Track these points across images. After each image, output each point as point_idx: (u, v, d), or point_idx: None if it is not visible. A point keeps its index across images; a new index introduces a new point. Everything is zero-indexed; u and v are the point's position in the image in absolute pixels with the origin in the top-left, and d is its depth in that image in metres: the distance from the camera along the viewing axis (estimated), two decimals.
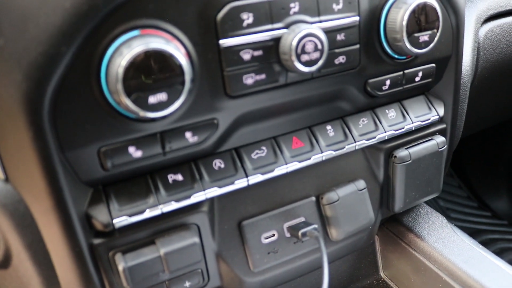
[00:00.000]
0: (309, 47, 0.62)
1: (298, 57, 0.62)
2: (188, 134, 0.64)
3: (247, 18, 0.61)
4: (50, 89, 0.54)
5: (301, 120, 0.75)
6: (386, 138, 0.81)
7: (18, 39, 0.53)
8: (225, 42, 0.61)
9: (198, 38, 0.60)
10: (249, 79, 0.64)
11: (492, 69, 1.10)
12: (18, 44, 0.53)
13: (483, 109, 1.29)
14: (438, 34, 0.74)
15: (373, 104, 0.81)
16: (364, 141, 0.79)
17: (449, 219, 2.04)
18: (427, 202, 1.02)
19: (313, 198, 0.80)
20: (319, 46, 0.63)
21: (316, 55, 0.63)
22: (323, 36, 0.63)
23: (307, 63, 0.63)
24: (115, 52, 0.55)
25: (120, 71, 0.53)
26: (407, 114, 0.83)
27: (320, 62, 0.64)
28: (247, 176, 0.70)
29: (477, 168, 2.11)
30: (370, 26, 0.71)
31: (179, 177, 0.67)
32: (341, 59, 0.69)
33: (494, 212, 2.04)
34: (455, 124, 0.91)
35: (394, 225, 0.99)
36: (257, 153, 0.72)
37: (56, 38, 0.53)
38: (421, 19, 0.71)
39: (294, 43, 0.61)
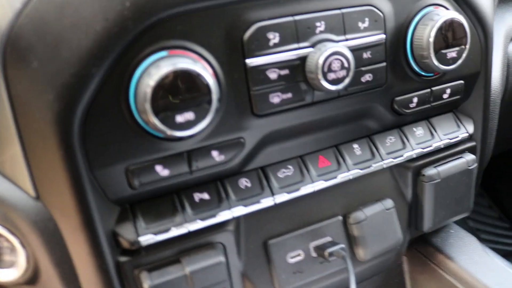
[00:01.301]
0: (336, 65, 0.62)
1: (325, 75, 0.62)
2: (214, 153, 0.64)
3: (274, 37, 0.62)
4: (80, 109, 0.55)
5: (327, 139, 0.75)
6: (414, 156, 0.80)
7: (51, 61, 0.55)
8: (251, 62, 0.61)
9: (225, 58, 0.60)
10: (275, 98, 0.64)
11: None
12: (51, 66, 0.55)
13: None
14: (466, 51, 0.73)
15: (401, 122, 0.80)
16: (391, 160, 0.78)
17: (480, 240, 1.98)
18: (456, 222, 1.00)
19: (340, 218, 0.79)
20: (346, 64, 0.63)
21: (342, 73, 0.63)
22: (349, 54, 0.63)
23: (334, 82, 0.63)
24: (143, 72, 0.56)
25: (148, 91, 0.54)
26: (435, 131, 0.82)
27: (347, 80, 0.64)
28: (273, 195, 0.70)
29: (508, 187, 2.05)
30: (396, 43, 0.71)
31: (206, 196, 0.67)
32: (367, 77, 0.69)
33: None
34: (485, 141, 0.89)
35: (422, 246, 0.96)
36: (283, 172, 0.72)
37: (87, 60, 0.54)
38: (448, 35, 0.70)
39: (321, 61, 0.61)
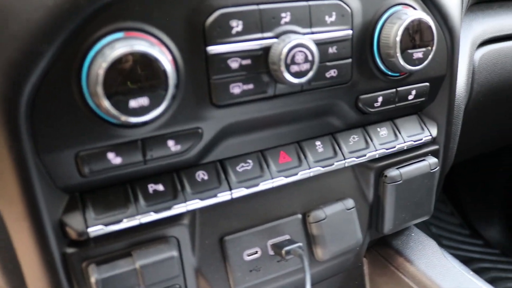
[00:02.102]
0: (299, 57, 0.60)
1: (288, 67, 0.60)
2: (170, 143, 0.62)
3: (237, 25, 0.59)
4: (28, 89, 0.52)
5: (289, 135, 0.73)
6: (377, 156, 0.79)
7: None
8: (212, 49, 0.59)
9: (185, 43, 0.58)
10: (236, 89, 0.62)
11: (487, 93, 1.09)
12: None
13: (477, 134, 1.28)
14: (432, 52, 0.72)
15: (365, 121, 0.79)
16: (354, 159, 0.77)
17: (441, 246, 2.01)
18: (418, 226, 1.00)
19: (300, 216, 0.77)
20: (310, 57, 0.61)
21: (306, 66, 0.61)
22: (314, 48, 0.61)
23: (297, 74, 0.61)
24: (97, 53, 0.53)
25: (101, 72, 0.51)
26: (399, 133, 0.82)
27: (310, 74, 0.62)
28: (230, 189, 0.67)
29: (470, 195, 2.09)
30: (363, 40, 0.69)
31: (160, 187, 0.64)
32: (332, 73, 0.68)
33: (486, 240, 2.01)
34: (448, 145, 0.89)
35: (383, 248, 0.96)
36: (242, 166, 0.69)
37: (37, 36, 0.51)
38: (415, 35, 0.69)
39: (284, 53, 0.59)
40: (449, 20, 0.77)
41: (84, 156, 0.57)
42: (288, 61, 0.60)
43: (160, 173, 0.65)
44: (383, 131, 0.80)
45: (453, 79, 0.83)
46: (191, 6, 0.57)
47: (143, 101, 0.54)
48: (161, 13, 0.56)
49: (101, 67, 0.51)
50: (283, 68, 0.60)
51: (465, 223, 2.07)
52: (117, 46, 0.52)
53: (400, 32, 0.68)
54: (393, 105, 0.77)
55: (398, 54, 0.68)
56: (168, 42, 0.57)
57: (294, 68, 0.60)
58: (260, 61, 0.62)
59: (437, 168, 0.86)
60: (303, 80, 0.62)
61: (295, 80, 0.61)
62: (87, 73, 0.53)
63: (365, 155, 0.77)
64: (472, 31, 1.02)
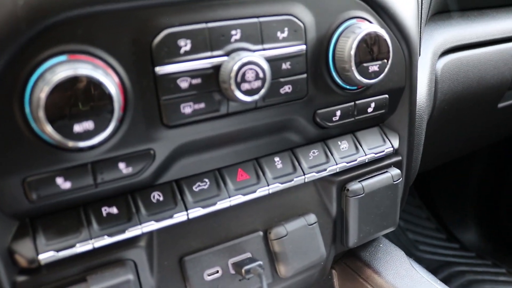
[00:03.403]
0: (250, 75, 0.60)
1: (238, 85, 0.59)
2: (121, 165, 0.60)
3: (185, 45, 0.58)
4: None
5: (248, 151, 0.72)
6: (337, 170, 0.78)
7: None
8: (160, 70, 0.58)
9: (132, 64, 0.57)
10: (187, 108, 0.61)
11: (451, 101, 1.09)
12: None
13: (444, 141, 1.29)
14: (388, 65, 0.72)
15: (325, 135, 0.78)
16: (314, 174, 0.76)
17: (418, 251, 2.02)
18: (389, 235, 1.00)
19: (261, 233, 0.76)
20: (261, 75, 0.60)
21: (257, 83, 0.60)
22: (265, 65, 0.60)
23: (248, 92, 0.60)
24: (39, 77, 0.51)
25: (43, 97, 0.50)
26: (360, 146, 0.81)
27: (262, 92, 0.61)
28: (187, 210, 0.66)
29: (445, 199, 2.11)
30: (318, 55, 0.69)
31: (114, 210, 0.63)
32: (287, 89, 0.67)
33: (462, 244, 2.02)
34: (411, 156, 0.89)
35: (352, 260, 0.96)
36: (199, 185, 0.68)
37: None
38: (370, 49, 0.69)
39: (234, 71, 0.59)
40: (406, 32, 0.77)
41: (32, 182, 0.56)
42: (239, 79, 0.59)
43: (114, 195, 0.64)
44: (344, 145, 0.80)
45: (413, 90, 0.83)
46: (137, 26, 0.56)
47: (88, 125, 0.53)
48: (106, 35, 0.55)
49: (42, 92, 0.50)
50: (233, 87, 0.59)
51: (441, 227, 2.08)
52: (58, 70, 0.51)
53: (354, 46, 0.67)
54: (352, 119, 0.77)
55: (353, 68, 0.68)
56: (114, 63, 0.56)
57: (245, 86, 0.60)
58: (211, 79, 0.61)
59: (400, 179, 0.86)
60: (254, 98, 0.61)
61: (246, 98, 0.60)
62: (29, 98, 0.52)
63: (325, 170, 0.77)
64: (433, 41, 1.03)
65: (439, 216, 2.10)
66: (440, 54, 1.04)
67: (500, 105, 1.28)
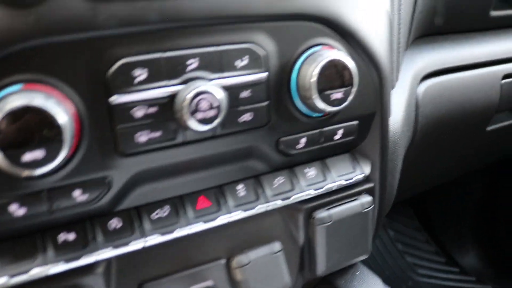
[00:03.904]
0: (204, 104, 0.60)
1: (192, 114, 0.59)
2: (77, 193, 0.60)
3: (140, 74, 0.59)
4: None
5: (210, 179, 0.72)
6: (303, 198, 0.77)
7: None
8: (116, 99, 0.58)
9: (87, 93, 0.57)
10: (142, 137, 0.61)
11: (435, 126, 1.08)
12: None
13: (433, 165, 1.27)
14: (353, 91, 0.71)
15: (292, 162, 0.78)
16: (278, 202, 0.75)
17: (417, 275, 1.99)
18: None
19: (223, 261, 0.75)
20: (215, 104, 0.60)
21: (212, 113, 0.60)
22: (220, 94, 0.60)
23: (202, 121, 0.60)
24: None
25: None
26: (329, 173, 0.80)
27: (217, 121, 0.61)
28: (144, 237, 0.66)
29: (444, 222, 2.07)
30: (280, 83, 0.69)
31: (71, 236, 0.63)
32: (247, 117, 0.67)
33: (462, 267, 1.98)
34: (385, 183, 0.88)
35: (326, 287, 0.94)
36: (158, 213, 0.68)
37: None
38: (333, 76, 0.69)
39: (187, 100, 0.59)
40: (375, 58, 0.77)
41: None
42: (192, 108, 0.59)
43: (74, 221, 0.64)
44: (311, 172, 0.79)
45: (385, 116, 0.82)
46: (92, 56, 0.57)
47: (38, 154, 0.53)
48: (62, 64, 0.55)
49: None
50: (186, 116, 0.59)
51: (441, 250, 2.04)
52: (11, 99, 0.52)
53: (315, 73, 0.67)
54: (319, 146, 0.76)
55: (315, 96, 0.68)
56: (69, 93, 0.56)
57: (199, 115, 0.60)
58: (167, 108, 0.61)
59: (371, 206, 0.84)
60: (209, 127, 0.61)
61: (200, 128, 0.60)
62: None
63: (290, 198, 0.76)
64: (414, 65, 1.02)
65: (438, 239, 2.07)
66: (421, 78, 1.03)
67: (489, 128, 1.26)
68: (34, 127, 0.52)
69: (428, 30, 1.10)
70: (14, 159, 0.52)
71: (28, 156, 0.53)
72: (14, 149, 0.52)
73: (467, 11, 1.13)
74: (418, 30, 1.06)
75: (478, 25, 1.18)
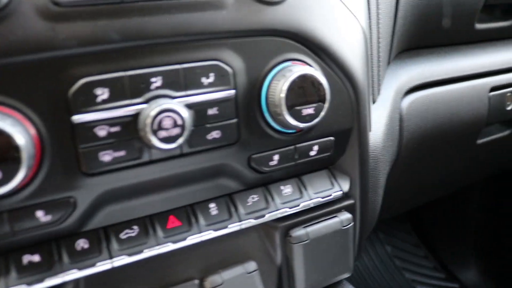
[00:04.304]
0: (167, 122, 0.59)
1: (155, 133, 0.58)
2: (39, 213, 0.59)
3: (102, 93, 0.58)
4: None
5: (181, 198, 0.71)
6: (278, 216, 0.76)
7: None
8: (77, 118, 0.57)
9: (48, 113, 0.57)
10: (106, 156, 0.60)
11: (421, 140, 1.06)
12: None
13: (422, 180, 1.25)
14: (325, 107, 0.70)
15: (268, 179, 0.76)
16: (251, 220, 0.73)
17: None
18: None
19: (196, 281, 0.73)
20: (179, 122, 0.59)
21: (176, 131, 0.59)
22: (183, 111, 0.60)
23: (166, 140, 0.59)
24: None
25: None
26: (305, 190, 0.78)
27: (181, 140, 0.60)
28: (111, 258, 0.65)
29: (443, 237, 2.04)
30: (250, 99, 0.68)
31: (36, 258, 0.62)
32: (215, 134, 0.66)
33: (462, 283, 1.94)
34: (366, 200, 0.86)
35: None
36: (127, 233, 0.67)
37: None
38: (303, 91, 0.68)
39: (149, 118, 0.58)
40: (350, 72, 0.76)
41: None
42: (155, 126, 0.58)
43: (39, 242, 0.63)
44: (287, 189, 0.77)
45: (362, 131, 0.81)
46: (53, 76, 0.56)
47: None
48: (21, 85, 0.55)
49: None
50: (149, 134, 0.58)
51: (440, 266, 2.00)
52: None
53: (284, 89, 0.66)
54: (293, 163, 0.75)
55: (285, 112, 0.67)
56: (29, 113, 0.56)
57: (162, 134, 0.59)
58: (130, 127, 0.60)
59: (350, 224, 0.82)
60: (173, 145, 0.60)
61: (164, 146, 0.59)
62: None
63: (264, 216, 0.74)
64: (397, 79, 1.01)
65: (437, 254, 2.03)
66: (405, 92, 1.02)
67: (480, 141, 1.24)
68: None
69: (412, 44, 1.09)
70: None
71: None
72: None
73: (452, 24, 1.12)
74: (401, 44, 1.05)
75: (463, 38, 1.17)
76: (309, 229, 0.78)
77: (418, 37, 1.09)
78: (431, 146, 1.11)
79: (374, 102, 0.92)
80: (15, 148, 0.53)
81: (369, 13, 0.89)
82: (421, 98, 1.05)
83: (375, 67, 0.91)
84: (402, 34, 1.04)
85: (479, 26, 1.16)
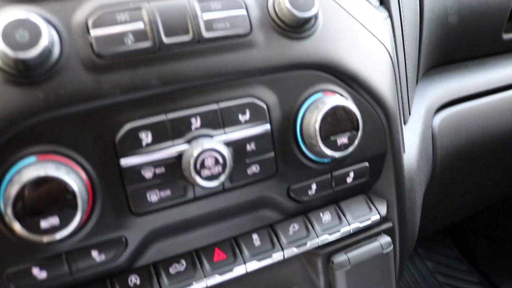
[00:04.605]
0: (209, 161, 0.62)
1: (199, 172, 0.61)
2: (94, 253, 0.63)
3: (146, 137, 0.62)
4: None
5: (224, 230, 0.73)
6: (320, 244, 0.77)
7: None
8: (125, 162, 0.61)
9: (98, 159, 0.60)
10: (153, 196, 0.63)
11: (455, 156, 1.06)
12: None
13: (463, 194, 1.24)
14: (359, 135, 0.72)
15: (306, 208, 0.78)
16: (293, 249, 0.75)
17: None
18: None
19: None
20: (220, 160, 0.62)
21: (218, 169, 0.62)
22: (223, 150, 0.62)
23: (209, 178, 0.62)
24: (11, 177, 0.56)
25: (11, 198, 0.54)
26: (344, 216, 0.80)
27: (223, 176, 0.63)
28: None
29: (486, 250, 1.98)
30: (285, 132, 0.70)
31: None
32: (254, 169, 0.68)
33: None
34: (404, 222, 0.86)
35: None
36: (175, 267, 0.69)
37: None
38: (336, 122, 0.70)
39: (192, 159, 0.61)
40: (380, 98, 0.77)
41: (9, 275, 0.60)
42: (198, 166, 0.61)
43: (94, 280, 0.66)
44: (326, 216, 0.79)
45: (397, 155, 0.82)
46: (99, 124, 0.60)
47: (54, 220, 0.56)
48: (71, 134, 0.59)
49: (11, 191, 0.54)
50: (193, 174, 0.61)
51: (486, 280, 1.95)
52: (25, 171, 0.55)
53: (318, 121, 0.68)
54: (331, 190, 0.76)
55: (320, 143, 0.69)
56: (80, 160, 0.60)
57: (205, 172, 0.62)
58: (174, 167, 0.63)
59: (390, 247, 0.83)
60: (216, 183, 0.62)
61: (208, 184, 0.62)
62: (3, 196, 0.56)
63: (306, 244, 0.76)
64: (427, 98, 1.02)
65: (481, 268, 1.97)
66: (436, 110, 1.03)
67: None
68: (49, 196, 0.56)
69: (438, 61, 1.10)
70: (33, 227, 0.55)
71: (45, 223, 0.56)
72: (31, 218, 0.55)
73: (478, 36, 1.12)
74: (428, 62, 1.06)
75: (491, 49, 1.17)
76: (350, 254, 0.79)
77: (444, 53, 1.10)
78: (466, 161, 1.11)
79: (405, 123, 0.93)
80: (71, 195, 0.56)
81: (394, 36, 0.90)
82: (452, 114, 1.05)
83: (404, 89, 0.92)
84: (428, 52, 1.05)
85: (506, 36, 1.16)
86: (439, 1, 1.02)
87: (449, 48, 1.09)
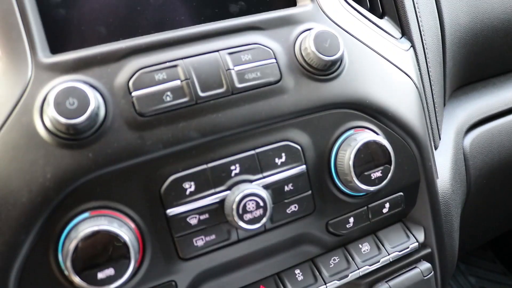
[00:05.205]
0: (251, 206, 0.65)
1: (241, 217, 0.65)
2: None
3: (189, 186, 0.66)
4: (13, 274, 0.60)
5: (268, 268, 0.76)
6: (360, 274, 0.79)
7: None
8: (171, 211, 0.65)
9: (146, 210, 0.65)
10: (199, 241, 0.67)
11: (489, 175, 1.06)
12: None
13: (498, 212, 1.23)
14: (392, 168, 0.74)
15: (345, 240, 0.80)
16: (335, 282, 0.77)
17: None
18: None
19: None
20: (261, 203, 0.65)
21: (259, 212, 0.65)
22: (263, 193, 0.66)
23: (251, 221, 0.65)
24: (68, 233, 0.61)
25: (69, 253, 0.58)
26: (383, 245, 0.82)
27: (265, 219, 0.66)
28: None
29: None
30: (320, 171, 0.73)
31: None
32: (293, 208, 0.71)
33: None
34: (443, 247, 0.87)
35: None
36: None
37: (15, 229, 0.60)
38: (369, 157, 0.72)
39: (235, 205, 0.64)
40: (410, 129, 0.79)
41: None
42: (240, 211, 0.65)
43: None
44: (365, 247, 0.81)
45: (430, 182, 0.83)
46: (145, 177, 0.65)
47: (109, 271, 0.60)
48: (120, 189, 0.64)
49: (69, 248, 0.58)
50: (236, 219, 0.64)
51: None
52: (81, 227, 0.60)
53: (352, 158, 0.71)
54: (368, 222, 0.79)
55: (355, 179, 0.71)
56: (130, 212, 0.64)
57: (248, 216, 0.65)
58: (218, 213, 0.67)
59: (431, 273, 0.84)
60: (258, 225, 0.66)
61: (250, 227, 0.65)
62: (61, 253, 0.61)
63: (347, 276, 0.78)
64: (456, 119, 1.03)
65: None
66: (466, 131, 1.03)
67: None
68: (104, 249, 0.60)
69: (464, 81, 1.11)
70: (90, 279, 0.60)
71: (101, 275, 0.60)
72: (89, 271, 0.59)
73: (502, 53, 1.13)
74: (454, 84, 1.07)
75: None
76: (392, 283, 0.81)
77: (469, 73, 1.11)
78: (501, 178, 1.11)
79: (436, 148, 0.94)
80: (124, 246, 0.60)
81: (418, 64, 0.92)
82: (483, 133, 1.05)
83: (432, 115, 0.94)
84: (453, 74, 1.06)
85: None
86: (459, 24, 1.03)
87: (474, 67, 1.10)
